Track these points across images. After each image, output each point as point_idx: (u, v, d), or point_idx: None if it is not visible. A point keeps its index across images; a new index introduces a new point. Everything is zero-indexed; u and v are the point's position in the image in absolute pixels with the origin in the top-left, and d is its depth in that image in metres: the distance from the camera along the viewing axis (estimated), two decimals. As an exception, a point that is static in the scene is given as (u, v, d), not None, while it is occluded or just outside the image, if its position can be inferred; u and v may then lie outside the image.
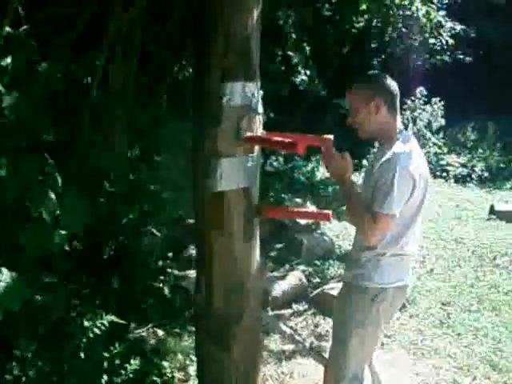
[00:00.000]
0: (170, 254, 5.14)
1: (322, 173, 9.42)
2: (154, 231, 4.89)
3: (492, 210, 7.44)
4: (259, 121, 2.69)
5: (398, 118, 2.52)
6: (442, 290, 4.82)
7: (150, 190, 4.70)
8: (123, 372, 2.35)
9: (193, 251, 5.13)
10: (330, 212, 2.75)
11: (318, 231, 6.13)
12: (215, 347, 2.81)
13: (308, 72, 5.76)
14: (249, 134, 2.58)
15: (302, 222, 6.00)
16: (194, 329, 3.68)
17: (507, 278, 5.20)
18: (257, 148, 2.72)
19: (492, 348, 3.81)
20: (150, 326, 3.83)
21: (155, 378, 3.19)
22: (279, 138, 2.54)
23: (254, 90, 2.63)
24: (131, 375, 2.36)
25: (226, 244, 2.70)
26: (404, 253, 2.45)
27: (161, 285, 4.49)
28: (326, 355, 3.22)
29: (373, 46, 10.03)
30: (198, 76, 2.73)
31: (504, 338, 3.95)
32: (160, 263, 4.91)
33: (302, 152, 2.47)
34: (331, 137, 2.70)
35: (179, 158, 4.43)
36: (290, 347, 3.67)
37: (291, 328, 3.98)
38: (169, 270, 4.63)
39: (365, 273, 2.47)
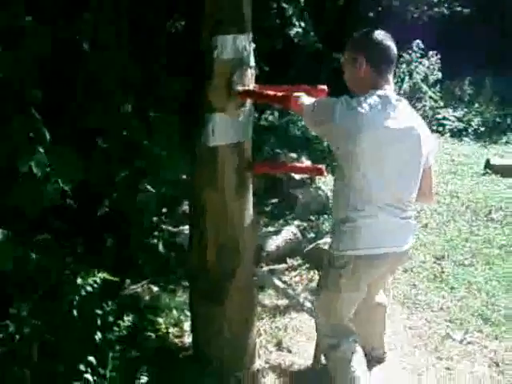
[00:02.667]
0: (165, 211, 5.12)
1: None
2: (149, 188, 4.85)
3: (488, 165, 7.40)
4: (251, 74, 2.65)
5: (390, 78, 2.43)
6: (436, 245, 4.82)
7: (144, 146, 4.64)
8: (117, 329, 2.35)
9: (187, 207, 5.12)
10: (323, 166, 2.72)
11: (314, 186, 6.12)
12: (209, 303, 2.83)
13: (303, 24, 5.64)
14: (241, 87, 2.53)
15: (297, 177, 5.96)
16: (188, 285, 3.72)
17: (501, 232, 5.20)
18: (249, 102, 2.67)
19: (485, 302, 3.83)
20: (144, 282, 3.84)
21: (150, 334, 3.22)
22: (272, 92, 2.50)
23: (245, 43, 2.57)
24: (125, 331, 2.36)
25: (218, 200, 2.69)
26: (378, 217, 2.38)
27: (155, 241, 4.49)
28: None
29: (369, -3, 9.82)
30: (189, 29, 2.68)
31: (497, 292, 3.97)
32: (154, 220, 4.90)
33: (294, 107, 2.43)
34: (325, 87, 2.65)
35: (175, 114, 4.39)
36: (283, 302, 3.69)
37: (285, 283, 4.00)
38: (163, 227, 4.61)
39: (332, 239, 2.53)
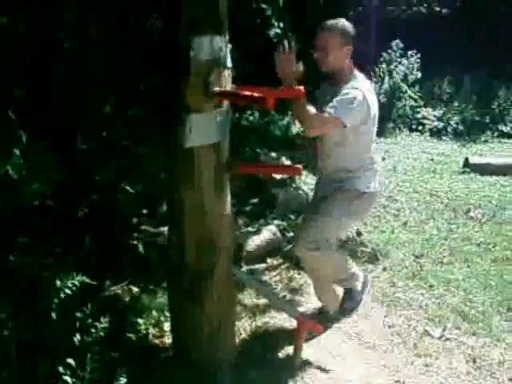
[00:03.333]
0: (145, 211, 5.10)
1: (298, 127, 9.39)
2: (128, 188, 4.84)
3: (466, 163, 7.49)
4: (228, 75, 2.65)
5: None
6: (415, 243, 4.87)
7: (124, 146, 4.62)
8: (94, 330, 2.34)
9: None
10: (300, 166, 2.75)
11: (294, 186, 6.13)
12: (188, 302, 2.84)
13: (282, 25, 5.66)
14: (217, 88, 2.53)
15: (278, 176, 5.97)
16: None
17: (479, 229, 5.27)
18: (226, 102, 2.68)
19: (463, 299, 3.88)
20: (124, 283, 3.82)
21: (130, 335, 3.22)
22: (248, 93, 2.50)
23: (221, 44, 2.57)
24: (102, 333, 2.35)
25: (196, 199, 2.70)
26: (372, 167, 3.23)
27: (135, 242, 4.47)
28: (300, 309, 3.27)
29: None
30: (165, 29, 2.67)
31: (475, 289, 4.02)
32: (135, 220, 4.89)
33: (271, 108, 2.44)
34: (301, 88, 2.68)
35: (155, 112, 4.37)
36: (263, 301, 3.69)
37: (265, 282, 4.01)
38: (143, 227, 4.60)
39: (351, 181, 3.16)
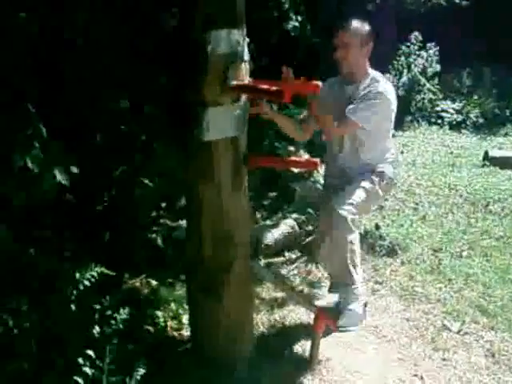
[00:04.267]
0: (163, 205, 5.13)
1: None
2: (147, 182, 4.87)
3: (486, 157, 7.41)
4: (245, 69, 2.65)
5: None
6: (433, 237, 4.84)
7: (140, 141, 4.66)
8: (114, 322, 2.36)
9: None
10: (317, 160, 2.74)
11: (311, 179, 6.13)
12: (206, 297, 2.85)
13: (299, 18, 5.64)
14: (235, 82, 2.53)
15: (295, 170, 5.97)
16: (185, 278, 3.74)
17: (499, 223, 5.22)
18: (244, 96, 2.68)
19: (481, 293, 3.85)
20: (142, 276, 3.85)
21: (148, 327, 3.24)
22: (265, 86, 2.50)
23: (239, 38, 2.57)
24: (121, 325, 2.37)
25: (214, 194, 2.70)
26: (394, 159, 3.50)
27: (153, 236, 4.50)
28: (317, 302, 3.27)
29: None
30: (181, 25, 2.68)
31: (494, 283, 3.99)
32: (153, 214, 4.92)
33: (288, 101, 2.44)
34: (319, 83, 2.67)
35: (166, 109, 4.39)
36: (281, 295, 3.70)
37: (283, 276, 4.02)
38: (161, 221, 4.62)
39: (377, 170, 3.37)
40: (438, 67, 9.76)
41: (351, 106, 3.21)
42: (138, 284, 3.80)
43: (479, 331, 3.41)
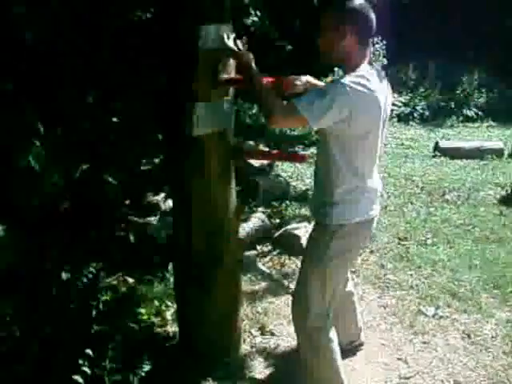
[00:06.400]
0: (128, 202, 5.08)
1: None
2: (111, 180, 4.80)
3: (437, 147, 7.66)
4: (233, 63, 2.67)
5: (368, 52, 2.41)
6: (397, 226, 4.99)
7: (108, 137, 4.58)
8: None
9: (152, 198, 5.10)
10: (306, 153, 2.79)
11: (273, 173, 6.19)
12: (195, 290, 2.86)
13: (258, 13, 5.67)
14: (227, 76, 2.55)
15: (257, 164, 6.01)
16: (162, 275, 3.74)
17: (457, 211, 5.42)
18: (232, 90, 2.70)
19: (451, 278, 4.00)
20: (119, 274, 3.82)
21: (132, 325, 3.22)
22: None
23: (227, 32, 2.59)
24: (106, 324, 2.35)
25: (204, 187, 2.72)
26: (363, 187, 2.43)
27: (122, 234, 4.45)
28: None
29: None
30: (170, 20, 2.67)
31: (460, 269, 4.15)
32: (119, 212, 4.86)
33: (287, 89, 2.46)
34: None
35: (139, 103, 4.34)
36: (261, 287, 3.75)
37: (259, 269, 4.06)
38: (133, 218, 4.58)
39: (325, 211, 2.46)
40: (384, 61, 9.98)
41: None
42: (115, 282, 3.76)
43: (453, 314, 3.55)
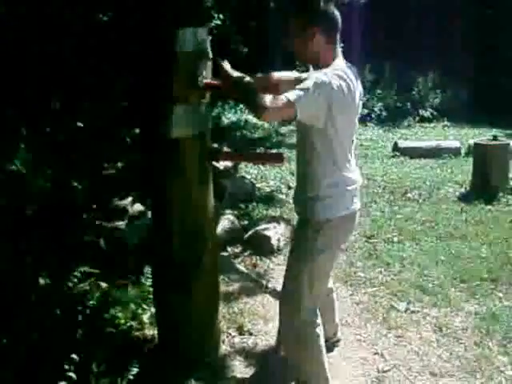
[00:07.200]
0: (94, 207, 5.03)
1: (228, 118, 9.49)
2: (76, 184, 4.76)
3: (396, 147, 7.83)
4: (209, 66, 2.69)
5: (338, 48, 2.50)
6: (363, 225, 5.07)
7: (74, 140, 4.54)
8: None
9: (118, 202, 5.06)
10: (283, 153, 2.83)
11: (238, 175, 6.22)
12: (175, 292, 2.86)
13: (221, 16, 5.71)
14: (207, 80, 2.58)
15: (221, 166, 6.03)
16: (136, 279, 3.72)
17: (419, 209, 5.57)
18: (208, 94, 2.73)
19: (419, 274, 4.11)
20: (92, 279, 3.77)
21: (111, 329, 3.19)
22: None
23: (204, 36, 2.62)
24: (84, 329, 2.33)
25: (182, 189, 2.74)
26: (344, 182, 2.48)
27: (90, 238, 4.40)
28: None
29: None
30: (148, 23, 2.67)
31: (428, 265, 4.26)
32: (85, 216, 4.81)
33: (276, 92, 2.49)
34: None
35: (106, 105, 4.33)
36: (235, 287, 3.78)
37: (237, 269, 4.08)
38: (102, 223, 4.54)
39: (310, 207, 2.51)
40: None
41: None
42: (87, 287, 3.72)
43: (424, 309, 3.64)
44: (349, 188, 2.51)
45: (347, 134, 2.48)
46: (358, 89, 2.51)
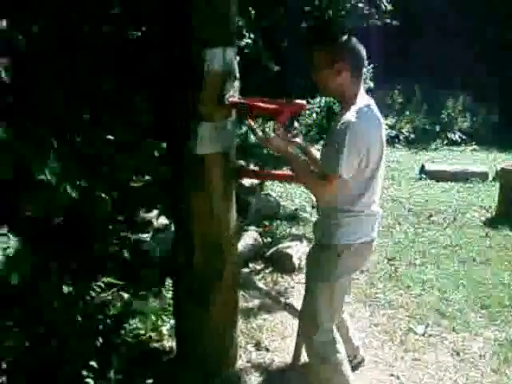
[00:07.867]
0: (120, 219, 5.12)
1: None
2: (103, 195, 4.84)
3: (422, 170, 7.81)
4: (237, 86, 2.76)
5: (361, 83, 2.59)
6: (386, 247, 5.09)
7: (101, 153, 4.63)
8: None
9: (144, 215, 5.15)
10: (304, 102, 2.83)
11: (263, 192, 6.27)
12: (194, 305, 2.92)
13: (252, 35, 5.81)
14: (233, 99, 2.64)
15: (247, 183, 6.10)
16: (158, 290, 3.79)
17: (443, 233, 5.55)
18: (234, 112, 2.79)
19: (439, 298, 4.10)
20: (114, 290, 3.85)
21: (129, 340, 3.26)
22: (263, 105, 2.62)
23: (232, 56, 2.69)
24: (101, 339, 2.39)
25: (205, 204, 2.80)
26: (366, 211, 2.58)
27: (116, 249, 4.49)
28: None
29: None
30: (176, 42, 2.75)
31: (448, 289, 4.25)
32: (111, 227, 4.90)
33: (283, 121, 2.56)
34: (304, 102, 2.80)
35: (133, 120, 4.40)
36: (255, 304, 3.82)
37: (257, 286, 4.12)
38: (127, 235, 4.62)
39: (331, 232, 2.59)
40: (371, 84, 10.18)
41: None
42: (109, 297, 3.79)
43: (442, 333, 3.63)
44: (369, 218, 2.62)
45: (376, 167, 2.56)
46: (381, 120, 2.61)
